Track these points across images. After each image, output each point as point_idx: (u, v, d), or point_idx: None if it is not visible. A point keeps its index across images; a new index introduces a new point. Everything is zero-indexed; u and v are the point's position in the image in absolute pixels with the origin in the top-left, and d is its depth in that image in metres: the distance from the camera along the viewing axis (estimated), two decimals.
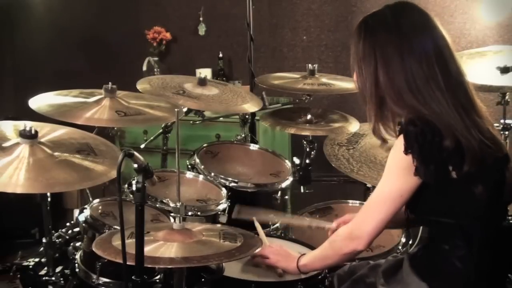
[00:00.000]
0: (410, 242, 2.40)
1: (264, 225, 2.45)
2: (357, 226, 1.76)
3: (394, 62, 1.66)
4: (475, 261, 1.67)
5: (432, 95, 1.62)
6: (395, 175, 1.66)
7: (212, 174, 2.57)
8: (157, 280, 2.10)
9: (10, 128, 2.06)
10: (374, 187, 2.46)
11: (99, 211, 2.25)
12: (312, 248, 2.16)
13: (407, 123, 1.63)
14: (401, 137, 1.63)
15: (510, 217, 2.40)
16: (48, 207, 2.28)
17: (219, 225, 2.22)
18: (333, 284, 1.97)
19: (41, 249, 2.33)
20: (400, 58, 1.65)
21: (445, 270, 1.69)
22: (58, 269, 2.30)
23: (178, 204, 1.77)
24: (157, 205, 2.30)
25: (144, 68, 4.48)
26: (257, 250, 1.82)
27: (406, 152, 1.60)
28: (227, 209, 2.42)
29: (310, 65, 3.09)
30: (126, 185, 2.34)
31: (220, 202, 2.43)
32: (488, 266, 1.70)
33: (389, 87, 1.68)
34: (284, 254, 1.99)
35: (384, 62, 1.67)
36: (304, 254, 1.95)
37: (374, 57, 1.68)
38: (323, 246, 1.88)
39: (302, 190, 2.88)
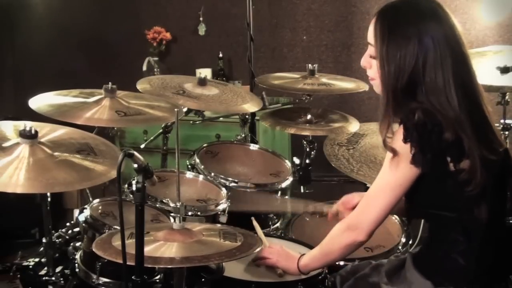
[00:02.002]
0: (410, 242, 2.40)
1: (264, 225, 2.45)
2: (357, 216, 1.76)
3: (430, 62, 1.63)
4: (477, 256, 1.68)
5: (448, 102, 1.62)
6: (395, 164, 1.65)
7: (212, 174, 2.57)
8: (157, 280, 2.10)
9: (10, 128, 2.06)
10: None
11: (99, 211, 2.25)
12: (312, 248, 2.16)
13: (408, 113, 1.62)
14: (401, 127, 1.63)
15: (511, 217, 2.40)
16: (48, 207, 2.28)
17: (219, 225, 2.22)
18: (335, 284, 1.97)
19: (41, 249, 2.33)
20: (439, 66, 1.63)
21: (447, 266, 1.70)
22: (58, 269, 2.30)
23: (178, 204, 1.77)
24: (157, 205, 2.30)
25: (144, 68, 4.48)
26: (257, 251, 1.81)
27: (405, 140, 1.60)
28: (227, 208, 2.42)
29: (310, 65, 3.09)
30: (126, 185, 2.34)
31: (220, 202, 2.43)
32: (490, 261, 1.71)
33: (414, 79, 1.64)
34: (284, 254, 1.99)
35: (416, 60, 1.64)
36: (304, 254, 1.95)
37: (413, 46, 1.64)
38: (323, 242, 1.87)
39: (302, 190, 2.88)
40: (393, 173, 1.66)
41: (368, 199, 1.75)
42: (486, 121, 1.69)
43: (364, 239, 1.74)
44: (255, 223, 2.23)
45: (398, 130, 1.63)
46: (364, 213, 1.74)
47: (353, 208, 2.02)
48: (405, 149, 1.61)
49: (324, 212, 2.14)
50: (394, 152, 1.63)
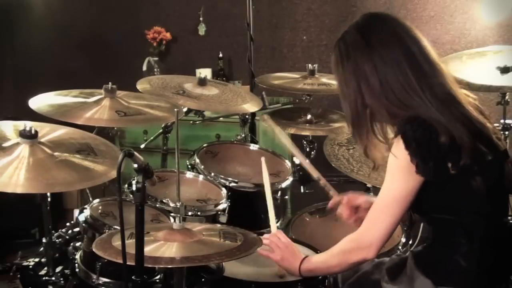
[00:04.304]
0: (410, 242, 2.40)
1: (264, 225, 2.45)
2: (366, 234, 1.73)
3: (372, 78, 1.67)
4: (478, 257, 1.68)
5: (412, 100, 1.63)
6: (398, 176, 1.66)
7: (212, 174, 2.57)
8: (157, 280, 2.10)
9: (10, 128, 2.06)
10: (374, 187, 2.47)
11: (99, 211, 2.25)
12: (312, 248, 2.16)
13: (403, 124, 1.63)
14: (399, 138, 1.63)
15: (510, 217, 2.40)
16: (48, 207, 2.28)
17: (219, 225, 2.22)
18: (337, 280, 1.97)
19: (41, 249, 2.33)
20: (375, 73, 1.66)
21: (448, 267, 1.70)
22: (58, 269, 2.30)
23: (178, 204, 1.77)
24: (157, 205, 2.30)
25: (144, 68, 4.48)
26: (267, 236, 1.88)
27: (405, 151, 1.60)
28: (227, 208, 2.42)
29: (310, 65, 3.09)
30: (126, 185, 2.34)
31: (220, 202, 2.43)
32: (491, 263, 1.71)
33: (375, 102, 1.69)
34: (290, 252, 1.93)
35: (363, 81, 1.68)
36: (307, 256, 1.92)
37: (354, 79, 1.69)
38: (330, 254, 1.84)
39: (302, 190, 2.88)
40: (398, 185, 1.66)
41: (375, 214, 1.73)
42: (464, 106, 1.68)
43: (373, 256, 1.73)
44: (264, 165, 2.22)
45: (397, 142, 1.63)
46: (373, 230, 1.72)
47: (354, 207, 2.03)
48: (406, 160, 1.61)
49: (329, 194, 2.14)
50: (396, 164, 1.64)
